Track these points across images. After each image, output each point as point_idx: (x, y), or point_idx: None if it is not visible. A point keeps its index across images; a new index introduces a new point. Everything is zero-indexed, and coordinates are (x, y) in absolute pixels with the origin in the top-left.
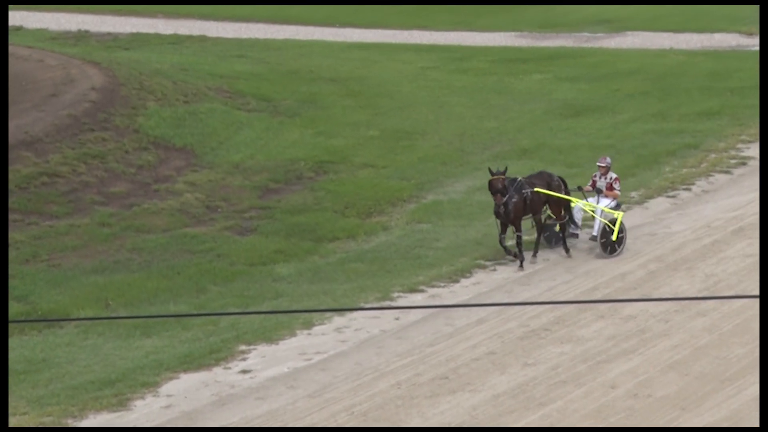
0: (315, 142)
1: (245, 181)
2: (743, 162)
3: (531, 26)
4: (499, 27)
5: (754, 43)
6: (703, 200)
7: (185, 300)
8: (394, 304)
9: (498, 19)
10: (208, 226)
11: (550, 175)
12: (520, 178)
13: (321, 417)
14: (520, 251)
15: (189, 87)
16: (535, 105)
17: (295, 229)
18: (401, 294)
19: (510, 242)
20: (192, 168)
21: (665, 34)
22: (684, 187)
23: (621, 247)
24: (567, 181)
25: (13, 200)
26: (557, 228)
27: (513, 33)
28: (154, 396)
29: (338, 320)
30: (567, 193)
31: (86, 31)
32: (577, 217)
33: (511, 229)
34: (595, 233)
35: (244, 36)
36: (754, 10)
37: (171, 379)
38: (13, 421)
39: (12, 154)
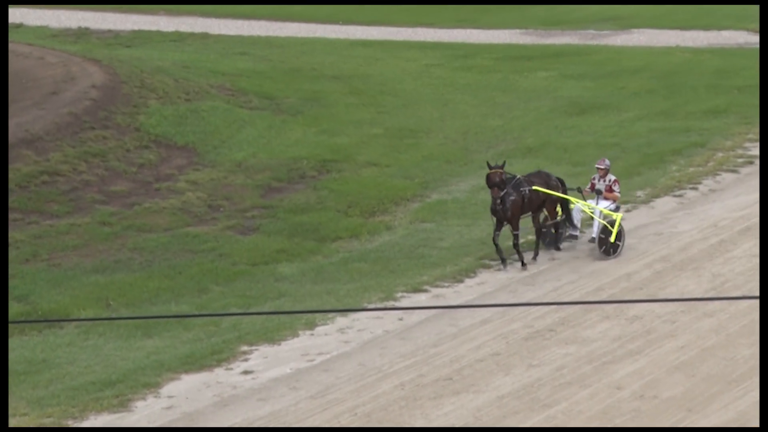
0: (318, 140)
1: (247, 179)
2: (750, 161)
3: (536, 23)
4: (504, 24)
5: None
6: (709, 199)
7: (187, 300)
8: (397, 304)
9: (503, 17)
10: (209, 225)
11: (548, 175)
12: (518, 176)
13: (324, 418)
14: (519, 251)
15: (191, 85)
16: (540, 103)
17: (297, 229)
18: (405, 294)
19: (507, 243)
20: (194, 167)
21: (671, 32)
22: (690, 186)
23: (619, 249)
24: (570, 180)
25: (13, 199)
26: (553, 230)
27: (518, 30)
28: (156, 397)
29: (341, 320)
30: (565, 193)
31: (87, 29)
32: (577, 218)
33: (510, 229)
34: (594, 235)
35: (247, 33)
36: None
37: (172, 379)
38: (13, 422)
39: (12, 153)
